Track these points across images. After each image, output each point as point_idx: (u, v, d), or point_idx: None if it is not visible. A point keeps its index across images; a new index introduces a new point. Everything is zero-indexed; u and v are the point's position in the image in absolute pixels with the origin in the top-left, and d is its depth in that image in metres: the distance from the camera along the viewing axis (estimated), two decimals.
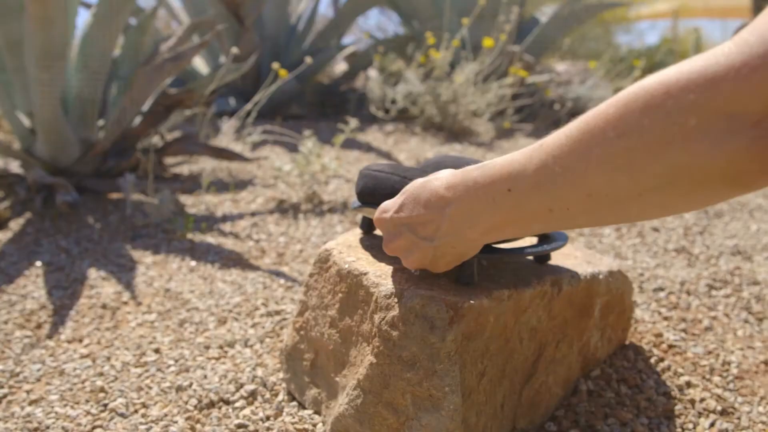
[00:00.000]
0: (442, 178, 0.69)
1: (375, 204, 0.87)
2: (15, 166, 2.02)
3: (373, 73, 3.46)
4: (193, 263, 1.50)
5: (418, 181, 0.73)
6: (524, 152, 0.60)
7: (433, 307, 0.74)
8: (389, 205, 0.75)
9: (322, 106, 3.46)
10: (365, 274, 0.82)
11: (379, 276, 0.81)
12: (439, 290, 0.77)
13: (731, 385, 1.02)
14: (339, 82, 3.59)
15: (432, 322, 0.74)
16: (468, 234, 0.68)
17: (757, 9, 4.74)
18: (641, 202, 0.55)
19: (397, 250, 0.75)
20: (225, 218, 1.78)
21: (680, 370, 1.05)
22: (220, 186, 2.05)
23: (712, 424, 0.94)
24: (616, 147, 0.52)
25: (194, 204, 1.89)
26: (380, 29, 5.48)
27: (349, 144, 2.61)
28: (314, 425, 0.91)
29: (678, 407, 0.97)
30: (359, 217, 1.76)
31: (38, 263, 1.52)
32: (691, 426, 0.93)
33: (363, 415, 0.79)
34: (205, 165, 2.27)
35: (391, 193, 0.84)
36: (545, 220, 0.61)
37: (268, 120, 2.98)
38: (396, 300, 0.77)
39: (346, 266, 0.85)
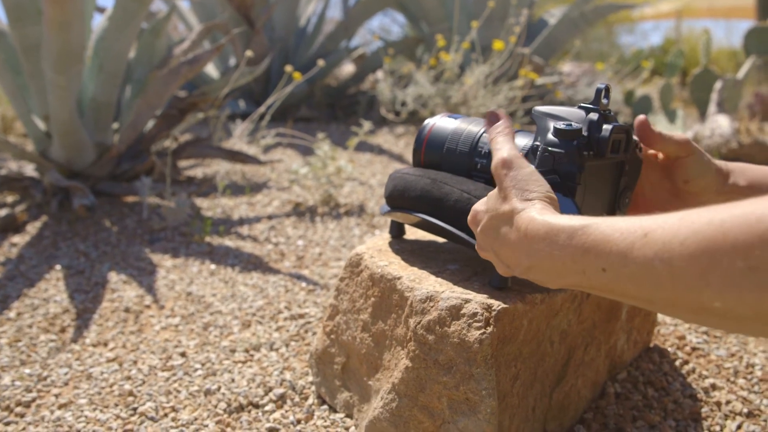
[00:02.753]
0: (525, 217, 0.62)
1: (404, 208, 0.87)
2: (29, 169, 2.03)
3: (381, 75, 3.47)
4: (213, 266, 1.50)
5: (501, 200, 0.66)
6: (623, 233, 0.52)
7: (470, 311, 0.75)
8: (479, 215, 0.70)
9: (332, 108, 3.46)
10: (399, 278, 0.83)
11: (413, 280, 0.81)
12: (474, 294, 0.77)
13: (756, 388, 1.03)
14: (347, 85, 3.59)
15: (468, 325, 0.74)
16: (546, 283, 0.63)
17: (762, 9, 4.74)
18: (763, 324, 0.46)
19: (487, 257, 0.71)
20: (242, 221, 1.79)
21: (705, 373, 1.05)
22: (235, 189, 2.05)
23: (738, 427, 0.94)
24: (747, 279, 0.43)
25: (210, 207, 1.89)
26: (383, 30, 5.49)
27: (360, 146, 2.62)
28: (347, 429, 0.92)
29: (704, 410, 0.97)
30: (377, 219, 1.77)
31: (58, 267, 1.52)
32: (718, 428, 0.93)
33: (398, 418, 0.80)
34: (218, 168, 2.28)
35: (421, 195, 0.84)
36: (637, 303, 0.55)
37: (279, 122, 2.98)
38: (432, 304, 0.77)
39: (379, 270, 0.86)
